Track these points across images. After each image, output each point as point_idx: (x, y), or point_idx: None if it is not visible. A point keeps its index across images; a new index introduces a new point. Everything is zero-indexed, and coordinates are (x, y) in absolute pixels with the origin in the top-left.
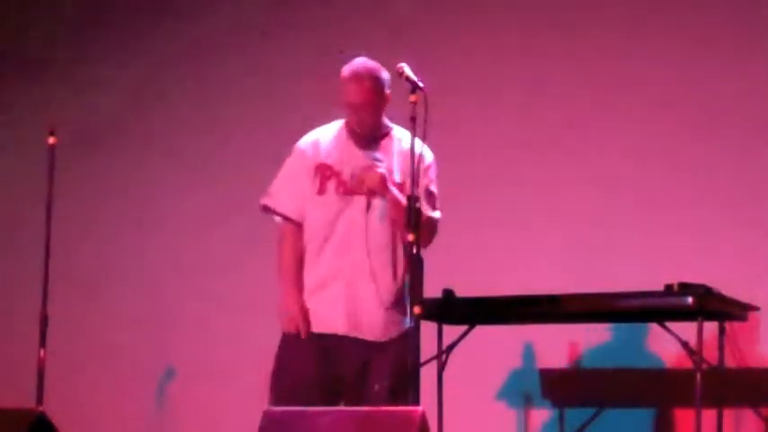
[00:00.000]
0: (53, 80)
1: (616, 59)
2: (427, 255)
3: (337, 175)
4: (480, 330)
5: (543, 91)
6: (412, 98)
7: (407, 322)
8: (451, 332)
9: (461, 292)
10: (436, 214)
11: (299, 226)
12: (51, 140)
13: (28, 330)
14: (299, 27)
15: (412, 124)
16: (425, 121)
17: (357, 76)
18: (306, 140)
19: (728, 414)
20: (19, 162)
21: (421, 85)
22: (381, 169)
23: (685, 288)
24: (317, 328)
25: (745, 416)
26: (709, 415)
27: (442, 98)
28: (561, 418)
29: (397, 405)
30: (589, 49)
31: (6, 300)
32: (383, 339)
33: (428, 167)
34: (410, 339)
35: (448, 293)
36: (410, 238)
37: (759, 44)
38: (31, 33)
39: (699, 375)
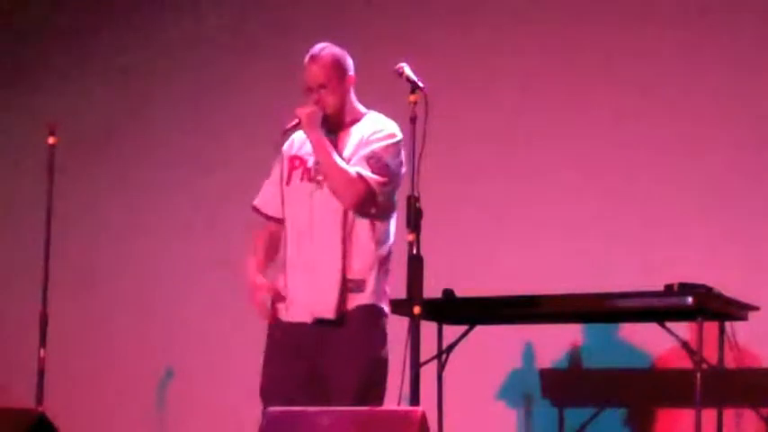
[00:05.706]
0: (53, 80)
1: (620, 57)
2: (427, 255)
3: (304, 163)
4: (480, 330)
5: (545, 91)
6: (412, 98)
7: (367, 300)
8: (451, 332)
9: (461, 292)
10: (370, 175)
11: (281, 221)
12: (51, 140)
13: (28, 330)
14: (296, 25)
15: (412, 125)
16: (426, 121)
17: (314, 58)
18: (287, 140)
19: (728, 414)
20: (19, 162)
21: (421, 84)
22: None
23: (685, 288)
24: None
25: (746, 416)
26: (709, 415)
27: (442, 96)
28: (561, 418)
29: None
30: (593, 47)
31: (6, 300)
32: (331, 317)
33: (388, 136)
34: (410, 339)
35: (448, 293)
36: (410, 237)
37: (760, 50)
38: (30, 34)
39: (699, 375)
